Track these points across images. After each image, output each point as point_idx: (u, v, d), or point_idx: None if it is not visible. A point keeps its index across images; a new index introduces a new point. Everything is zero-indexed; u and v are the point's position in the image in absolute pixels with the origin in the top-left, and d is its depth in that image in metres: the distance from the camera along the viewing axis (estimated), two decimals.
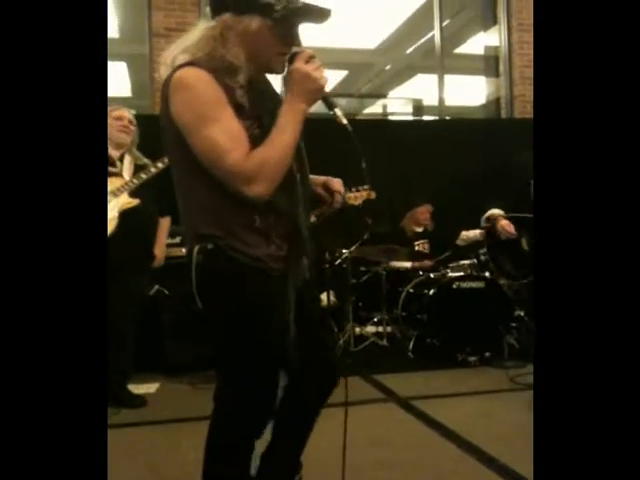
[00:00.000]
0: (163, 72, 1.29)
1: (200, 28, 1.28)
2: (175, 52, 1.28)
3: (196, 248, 1.30)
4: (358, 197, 3.42)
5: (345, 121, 1.32)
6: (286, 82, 1.28)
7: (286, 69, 1.29)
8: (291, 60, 1.28)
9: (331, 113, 1.31)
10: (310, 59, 1.27)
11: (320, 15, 1.30)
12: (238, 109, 1.23)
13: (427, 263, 4.22)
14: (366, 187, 3.42)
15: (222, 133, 1.19)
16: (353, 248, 3.88)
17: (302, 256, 1.37)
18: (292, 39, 1.29)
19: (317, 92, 1.27)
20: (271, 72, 1.35)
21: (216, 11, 1.26)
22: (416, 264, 4.22)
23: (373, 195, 3.47)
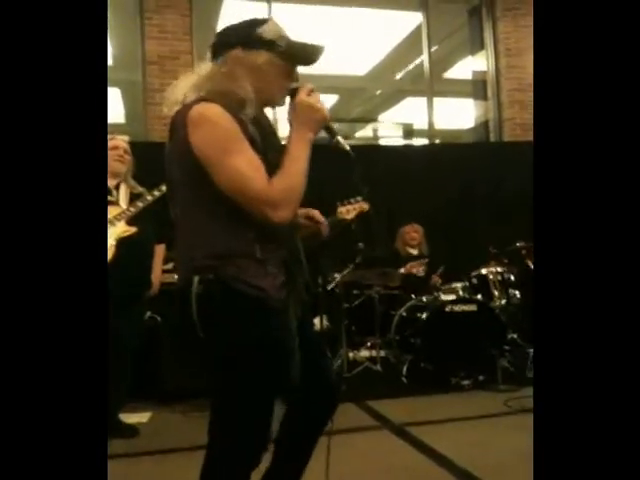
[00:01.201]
0: (170, 107, 1.34)
1: (208, 65, 1.34)
2: (184, 89, 1.33)
3: (196, 278, 1.29)
4: (350, 210, 3.11)
5: (347, 147, 1.42)
6: (291, 114, 1.34)
7: (289, 102, 1.36)
8: (292, 94, 1.35)
9: (334, 141, 1.41)
10: (311, 92, 1.34)
11: (316, 53, 1.38)
12: (251, 143, 1.29)
13: (417, 265, 4.21)
14: (359, 198, 3.14)
15: (246, 164, 1.25)
16: (345, 272, 3.89)
17: (300, 283, 1.40)
18: (293, 74, 1.38)
19: (321, 121, 1.35)
20: (273, 105, 1.41)
21: (225, 47, 1.33)
22: (408, 266, 4.20)
23: (367, 207, 3.30)
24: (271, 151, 1.32)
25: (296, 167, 1.29)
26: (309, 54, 1.37)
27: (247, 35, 1.32)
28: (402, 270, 4.34)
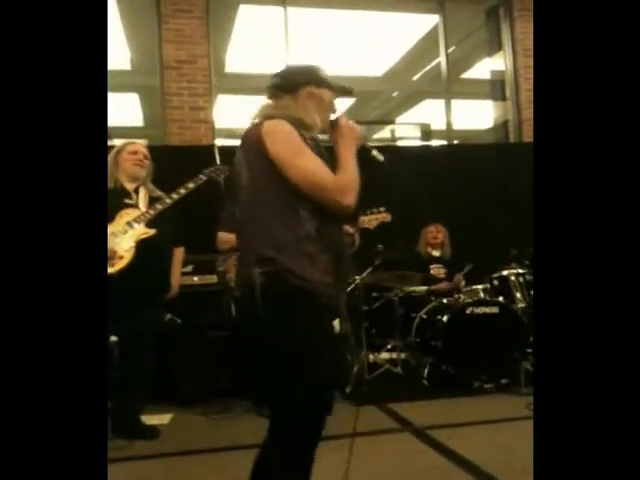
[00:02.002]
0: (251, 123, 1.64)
1: (280, 99, 1.64)
2: (262, 112, 1.63)
3: (257, 270, 1.47)
4: (372, 220, 3.22)
5: (382, 158, 1.75)
6: (335, 136, 1.64)
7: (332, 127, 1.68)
8: (333, 123, 1.67)
9: (371, 155, 1.75)
10: (347, 120, 1.67)
11: (350, 92, 1.75)
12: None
13: (444, 285, 4.17)
14: (381, 209, 3.26)
15: (314, 162, 1.52)
16: (365, 274, 3.86)
17: (346, 282, 1.63)
18: (335, 106, 1.71)
19: (360, 140, 1.66)
20: (324, 132, 1.68)
21: (299, 85, 1.64)
22: (433, 287, 4.18)
23: (389, 218, 3.26)
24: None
25: (350, 167, 1.56)
26: (346, 91, 1.74)
27: (317, 76, 1.66)
28: (432, 272, 4.30)
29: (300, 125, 1.55)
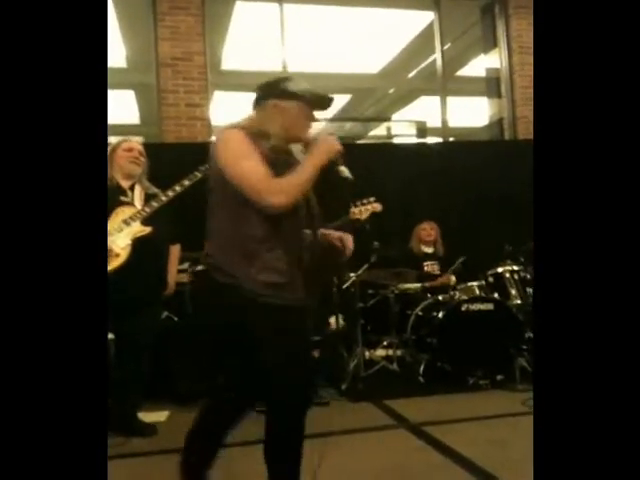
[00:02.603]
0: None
1: (250, 112, 1.77)
2: (227, 125, 1.73)
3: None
4: (363, 211, 3.25)
5: (348, 175, 1.70)
6: (310, 146, 1.71)
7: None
8: (313, 138, 1.73)
9: (335, 169, 1.70)
10: (330, 135, 1.73)
11: (328, 102, 1.77)
12: (263, 157, 1.64)
13: (440, 280, 4.18)
14: (371, 199, 3.28)
15: (252, 164, 1.61)
16: (360, 272, 3.87)
17: (299, 280, 1.69)
18: (312, 117, 1.77)
19: (332, 154, 1.69)
20: (299, 140, 1.76)
21: (264, 99, 1.74)
22: (427, 284, 4.19)
23: (379, 208, 3.28)
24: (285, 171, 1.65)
25: (300, 174, 1.63)
26: (324, 102, 1.76)
27: (283, 89, 1.72)
28: (426, 269, 4.31)
29: (259, 135, 1.66)
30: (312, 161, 1.65)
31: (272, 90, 1.74)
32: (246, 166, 1.60)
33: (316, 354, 4.07)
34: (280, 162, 1.65)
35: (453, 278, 4.25)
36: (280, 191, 1.59)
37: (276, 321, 1.64)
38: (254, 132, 1.66)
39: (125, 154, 2.92)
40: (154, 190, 2.96)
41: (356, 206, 3.30)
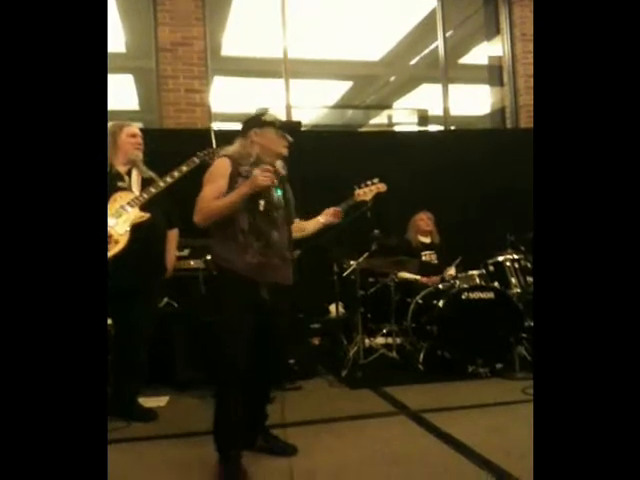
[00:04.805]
0: None
1: (237, 142, 2.31)
2: (222, 153, 2.31)
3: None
4: (367, 192, 3.22)
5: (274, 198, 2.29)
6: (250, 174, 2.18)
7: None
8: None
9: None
10: (265, 171, 2.13)
11: (296, 127, 2.43)
12: (243, 177, 2.18)
13: (435, 279, 4.18)
14: (375, 180, 3.26)
15: (209, 187, 2.19)
16: (361, 260, 3.86)
17: (274, 264, 2.19)
18: (285, 138, 2.28)
19: (258, 186, 2.12)
20: (278, 156, 2.27)
21: (247, 130, 2.28)
22: (424, 279, 4.18)
23: (384, 188, 3.26)
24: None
25: (225, 200, 2.14)
26: (292, 128, 2.34)
27: (260, 120, 2.26)
28: (424, 258, 4.30)
29: (239, 159, 2.21)
30: (239, 191, 2.11)
31: (253, 122, 2.27)
32: (205, 189, 2.17)
33: (316, 341, 4.08)
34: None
35: (452, 272, 4.24)
36: (199, 211, 2.15)
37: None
38: (237, 157, 2.20)
39: (130, 140, 2.89)
40: (150, 174, 2.93)
41: (360, 187, 3.30)
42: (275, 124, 2.22)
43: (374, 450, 2.41)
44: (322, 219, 2.57)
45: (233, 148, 2.26)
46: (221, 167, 2.19)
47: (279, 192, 2.27)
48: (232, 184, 2.17)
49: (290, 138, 2.26)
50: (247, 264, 2.14)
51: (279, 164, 2.28)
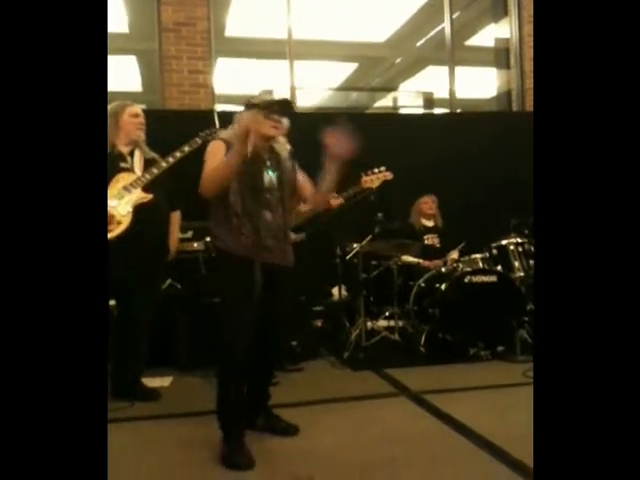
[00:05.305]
0: None
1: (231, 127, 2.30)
2: (218, 137, 2.35)
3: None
4: (374, 180, 3.29)
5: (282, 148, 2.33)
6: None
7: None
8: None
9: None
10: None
11: (286, 106, 2.20)
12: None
13: (437, 263, 4.17)
14: (382, 169, 3.31)
15: (208, 165, 2.20)
16: (364, 243, 3.86)
17: (266, 245, 2.21)
18: (274, 119, 2.18)
19: (262, 135, 2.19)
20: (269, 139, 2.24)
21: (241, 112, 2.26)
22: (426, 263, 4.18)
23: (390, 176, 3.32)
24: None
25: (226, 158, 2.12)
26: (283, 108, 2.18)
27: (247, 104, 2.25)
28: (427, 242, 4.30)
29: (232, 143, 2.17)
30: (240, 139, 2.06)
31: (247, 106, 2.25)
32: (206, 165, 2.19)
33: (319, 324, 4.10)
34: (252, 161, 2.16)
35: (455, 255, 4.23)
36: (203, 181, 2.16)
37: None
38: (231, 142, 2.17)
39: (133, 120, 2.88)
40: (153, 154, 2.93)
41: (367, 175, 3.31)
42: (260, 106, 2.18)
43: (375, 430, 2.43)
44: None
45: (227, 132, 2.29)
46: (216, 149, 2.21)
47: (270, 173, 2.26)
48: None
49: (279, 118, 2.19)
50: (242, 245, 2.18)
51: (282, 139, 2.28)
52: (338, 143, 2.11)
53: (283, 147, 2.31)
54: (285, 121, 2.23)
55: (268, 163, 2.26)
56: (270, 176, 2.26)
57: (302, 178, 2.39)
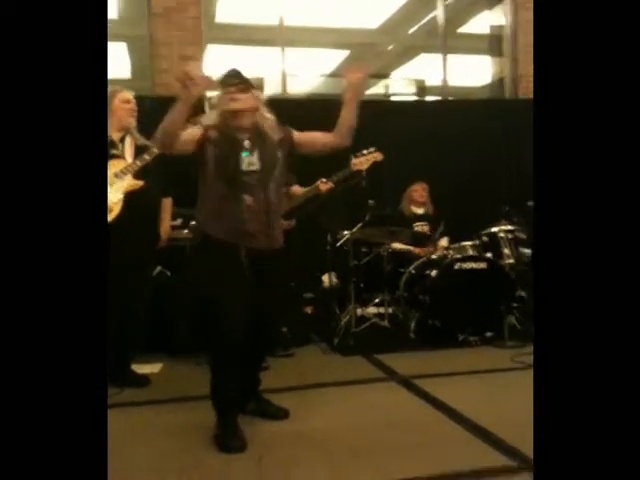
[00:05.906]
0: None
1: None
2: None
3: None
4: (364, 162, 3.24)
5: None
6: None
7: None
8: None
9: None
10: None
11: (236, 76, 2.20)
12: (211, 142, 2.22)
13: (427, 250, 4.19)
14: (372, 149, 3.26)
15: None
16: (355, 230, 3.87)
17: (245, 231, 2.17)
18: (230, 92, 2.19)
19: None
20: (235, 114, 2.19)
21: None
22: (417, 250, 4.20)
23: (380, 157, 3.27)
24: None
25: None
26: (229, 78, 2.20)
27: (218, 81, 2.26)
28: (417, 229, 4.31)
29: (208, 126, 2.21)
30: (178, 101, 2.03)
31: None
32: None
33: (309, 310, 4.11)
34: (225, 139, 2.17)
35: (444, 243, 4.24)
36: (157, 135, 2.13)
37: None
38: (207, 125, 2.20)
39: (125, 106, 2.86)
40: (144, 141, 2.91)
41: (356, 157, 3.28)
42: (220, 84, 2.20)
43: (365, 415, 2.45)
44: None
45: (206, 117, 2.29)
46: (193, 130, 2.20)
47: (245, 154, 2.19)
48: (202, 150, 2.18)
49: (235, 90, 2.16)
50: (225, 230, 2.16)
51: (268, 115, 2.24)
52: (358, 78, 2.15)
53: (266, 121, 2.23)
54: (258, 94, 2.20)
55: (247, 144, 2.19)
56: (249, 158, 2.19)
57: (308, 134, 2.35)
